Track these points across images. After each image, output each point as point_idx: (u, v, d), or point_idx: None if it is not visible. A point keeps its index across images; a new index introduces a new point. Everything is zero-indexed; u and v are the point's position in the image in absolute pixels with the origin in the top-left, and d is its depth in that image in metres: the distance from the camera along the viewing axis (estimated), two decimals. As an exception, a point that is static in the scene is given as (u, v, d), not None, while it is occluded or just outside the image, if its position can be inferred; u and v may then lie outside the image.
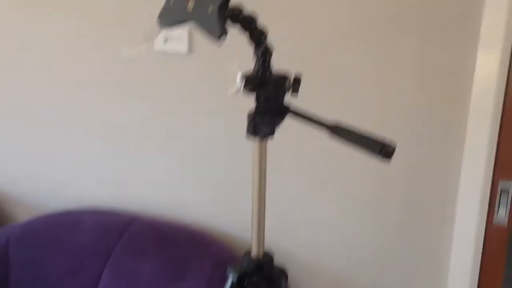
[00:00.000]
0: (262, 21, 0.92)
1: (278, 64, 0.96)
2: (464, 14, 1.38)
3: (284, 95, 0.99)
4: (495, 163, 1.42)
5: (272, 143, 1.01)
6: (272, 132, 0.96)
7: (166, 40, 1.75)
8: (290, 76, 0.98)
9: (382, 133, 1.32)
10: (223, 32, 0.82)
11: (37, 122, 2.02)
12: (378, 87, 1.51)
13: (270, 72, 0.96)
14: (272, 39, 0.94)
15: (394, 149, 0.91)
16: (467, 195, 1.45)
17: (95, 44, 1.79)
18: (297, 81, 0.98)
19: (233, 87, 0.82)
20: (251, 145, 0.98)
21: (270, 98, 0.97)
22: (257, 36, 0.92)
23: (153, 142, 1.86)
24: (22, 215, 2.14)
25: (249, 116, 0.96)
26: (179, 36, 1.72)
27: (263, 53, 0.94)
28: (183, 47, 1.73)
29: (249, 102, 0.95)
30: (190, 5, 0.85)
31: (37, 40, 1.91)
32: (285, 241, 1.73)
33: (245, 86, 0.92)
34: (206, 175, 1.82)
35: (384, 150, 0.91)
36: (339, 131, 0.95)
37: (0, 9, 1.93)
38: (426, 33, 1.43)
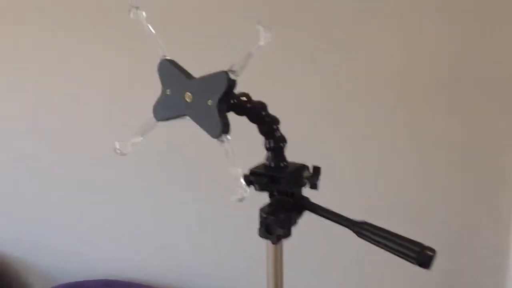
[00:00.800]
0: (272, 108, 0.80)
1: (291, 155, 0.84)
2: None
3: (300, 190, 0.86)
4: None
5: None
6: (288, 233, 0.82)
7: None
8: (308, 167, 0.85)
9: (413, 233, 1.17)
10: (223, 131, 0.69)
11: (49, 196, 1.94)
12: (407, 175, 1.34)
13: (285, 164, 0.83)
14: (284, 127, 0.81)
15: (433, 256, 0.76)
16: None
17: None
18: (316, 173, 0.85)
19: (235, 193, 0.69)
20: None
21: (285, 193, 0.84)
22: (268, 127, 0.80)
23: (165, 214, 1.75)
24: (38, 284, 2.05)
25: (261, 214, 0.83)
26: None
27: (275, 144, 0.81)
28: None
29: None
30: (189, 96, 0.73)
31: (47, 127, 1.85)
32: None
33: (255, 184, 0.80)
34: (219, 248, 1.69)
35: (421, 256, 0.76)
36: (367, 230, 0.81)
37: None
38: (468, 106, 1.27)
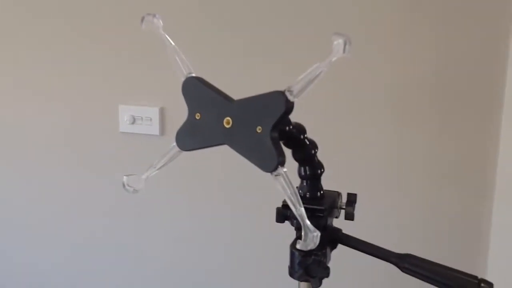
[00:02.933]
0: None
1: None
2: (486, 84, 1.21)
3: (332, 219, 0.76)
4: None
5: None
6: (328, 273, 0.72)
7: (133, 121, 1.49)
8: (341, 195, 0.77)
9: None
10: (280, 162, 0.59)
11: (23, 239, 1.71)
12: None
13: (321, 194, 0.73)
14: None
15: (491, 290, 0.70)
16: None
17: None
18: (351, 201, 0.76)
19: (305, 240, 0.58)
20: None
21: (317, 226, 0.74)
22: (305, 153, 0.70)
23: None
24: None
25: (294, 253, 0.72)
26: (149, 116, 1.48)
27: (313, 171, 0.71)
28: (153, 128, 1.48)
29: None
30: (228, 121, 0.61)
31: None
32: None
33: (291, 219, 0.70)
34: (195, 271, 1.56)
35: (480, 291, 0.69)
36: (412, 263, 0.73)
37: None
38: (440, 112, 1.25)
